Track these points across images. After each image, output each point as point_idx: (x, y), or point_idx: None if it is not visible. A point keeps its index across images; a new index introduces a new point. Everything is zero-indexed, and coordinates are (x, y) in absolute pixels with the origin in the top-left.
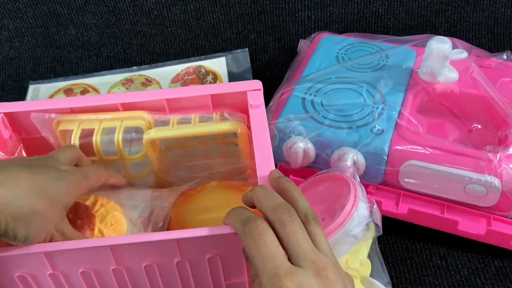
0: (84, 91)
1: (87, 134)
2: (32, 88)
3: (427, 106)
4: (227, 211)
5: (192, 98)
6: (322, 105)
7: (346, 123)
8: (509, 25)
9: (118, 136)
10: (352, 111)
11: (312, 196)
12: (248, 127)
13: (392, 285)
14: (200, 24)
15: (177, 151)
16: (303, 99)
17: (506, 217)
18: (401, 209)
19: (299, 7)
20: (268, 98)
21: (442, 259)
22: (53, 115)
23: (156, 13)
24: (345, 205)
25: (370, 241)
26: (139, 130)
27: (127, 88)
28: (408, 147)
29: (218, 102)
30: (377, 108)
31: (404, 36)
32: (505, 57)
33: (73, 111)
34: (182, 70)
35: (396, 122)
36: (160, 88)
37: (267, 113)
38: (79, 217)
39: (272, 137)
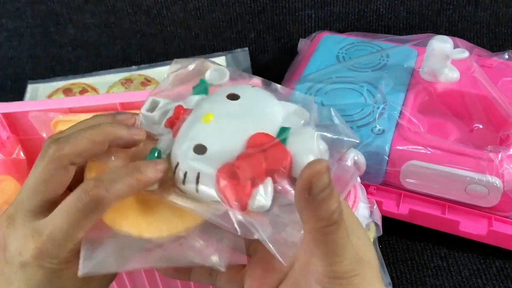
0: (83, 91)
1: None
2: (31, 88)
3: (428, 106)
4: None
5: None
6: (322, 104)
7: (346, 123)
8: (511, 25)
9: None
10: (352, 111)
11: None
12: None
13: (393, 286)
14: (199, 23)
15: None
16: None
17: (507, 217)
18: (402, 210)
19: (299, 6)
20: None
21: (443, 260)
22: (51, 114)
23: (156, 12)
24: None
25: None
26: None
27: (126, 87)
28: (409, 147)
29: None
30: (378, 108)
31: (405, 35)
32: (506, 56)
33: (71, 111)
34: None
35: (397, 122)
36: None
37: None
38: None
39: None
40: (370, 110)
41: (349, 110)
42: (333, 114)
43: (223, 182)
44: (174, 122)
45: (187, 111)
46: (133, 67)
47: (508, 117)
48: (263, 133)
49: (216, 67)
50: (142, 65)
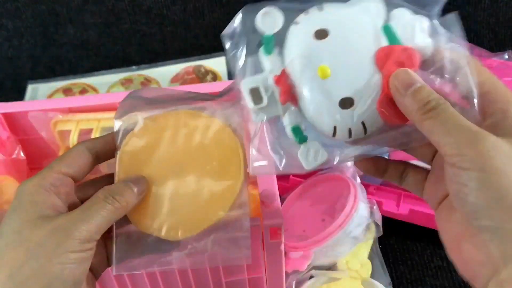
0: (83, 91)
1: (85, 134)
2: (30, 88)
3: None
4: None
5: None
6: None
7: None
8: (511, 25)
9: None
10: None
11: (312, 197)
12: None
13: (393, 286)
14: (199, 23)
15: None
16: None
17: None
18: (402, 210)
19: None
20: None
21: (443, 260)
22: (51, 114)
23: (156, 12)
24: (345, 206)
25: (370, 242)
26: None
27: (126, 87)
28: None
29: None
30: None
31: None
32: (506, 56)
33: (71, 111)
34: (181, 70)
35: None
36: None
37: None
38: None
39: None
40: None
41: None
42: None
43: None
44: (289, 94)
45: (286, 76)
46: (133, 67)
47: None
48: (383, 47)
49: (265, 10)
50: (142, 65)
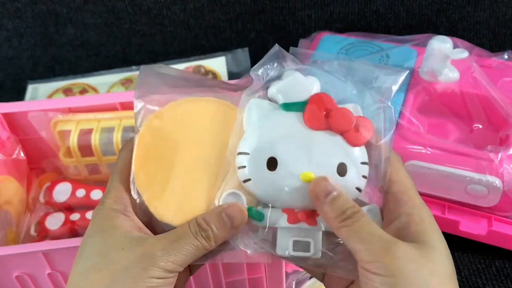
0: (83, 91)
1: (85, 134)
2: (31, 88)
3: (428, 106)
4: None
5: None
6: None
7: None
8: (510, 25)
9: (117, 136)
10: None
11: None
12: None
13: None
14: (199, 23)
15: None
16: None
17: (507, 217)
18: None
19: (299, 6)
20: None
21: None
22: (50, 114)
23: (156, 12)
24: None
25: None
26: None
27: (126, 88)
28: (409, 147)
29: None
30: None
31: (405, 35)
32: (506, 56)
33: (71, 111)
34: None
35: (397, 122)
36: None
37: None
38: None
39: None
40: None
41: None
42: None
43: None
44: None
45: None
46: (133, 67)
47: (508, 117)
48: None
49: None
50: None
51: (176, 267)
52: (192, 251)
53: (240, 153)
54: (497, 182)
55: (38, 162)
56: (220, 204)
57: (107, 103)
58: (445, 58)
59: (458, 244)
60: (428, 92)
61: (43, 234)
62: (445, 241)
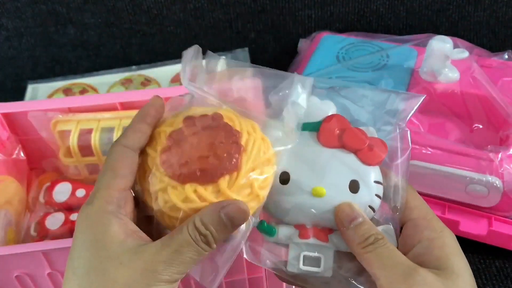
0: (83, 91)
1: (85, 134)
2: (31, 88)
3: (428, 106)
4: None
5: None
6: None
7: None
8: (511, 25)
9: (117, 135)
10: None
11: None
12: None
13: None
14: (199, 23)
15: None
16: None
17: (507, 217)
18: None
19: (299, 6)
20: None
21: None
22: (50, 114)
23: (156, 12)
24: None
25: None
26: None
27: (126, 88)
28: None
29: None
30: None
31: (405, 35)
32: (506, 56)
33: (71, 110)
34: None
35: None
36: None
37: None
38: (217, 156)
39: None
40: None
41: None
42: None
43: None
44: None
45: None
46: (133, 67)
47: (508, 117)
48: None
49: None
50: (142, 65)
51: (179, 276)
52: (193, 257)
53: None
54: (497, 182)
55: (38, 162)
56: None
57: (107, 103)
58: (445, 58)
59: None
60: (428, 92)
61: (43, 234)
62: (469, 267)
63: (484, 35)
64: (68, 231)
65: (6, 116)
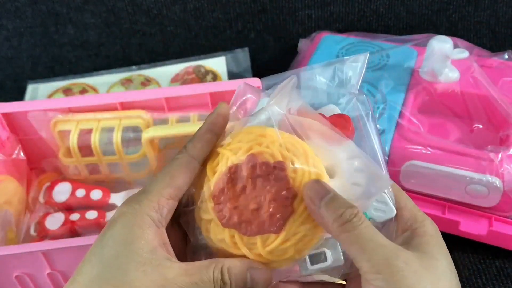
0: (83, 91)
1: (85, 134)
2: (30, 88)
3: (428, 106)
4: None
5: (191, 97)
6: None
7: None
8: (511, 25)
9: (117, 135)
10: None
11: None
12: None
13: None
14: (199, 23)
15: (176, 151)
16: None
17: (507, 217)
18: None
19: (299, 6)
20: None
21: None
22: (50, 114)
23: (156, 12)
24: None
25: None
26: (137, 129)
27: (126, 87)
28: (409, 147)
29: (217, 100)
30: (378, 108)
31: (405, 35)
32: (506, 56)
33: (71, 110)
34: (181, 70)
35: (397, 122)
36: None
37: None
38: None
39: None
40: None
41: None
42: None
43: None
44: None
45: None
46: (133, 67)
47: (508, 117)
48: None
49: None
50: (142, 65)
51: None
52: None
53: None
54: (497, 182)
55: (38, 162)
56: None
57: (107, 103)
58: (445, 58)
59: (458, 244)
60: (428, 92)
61: (43, 234)
62: (449, 255)
63: (484, 35)
64: (67, 231)
65: (6, 116)
